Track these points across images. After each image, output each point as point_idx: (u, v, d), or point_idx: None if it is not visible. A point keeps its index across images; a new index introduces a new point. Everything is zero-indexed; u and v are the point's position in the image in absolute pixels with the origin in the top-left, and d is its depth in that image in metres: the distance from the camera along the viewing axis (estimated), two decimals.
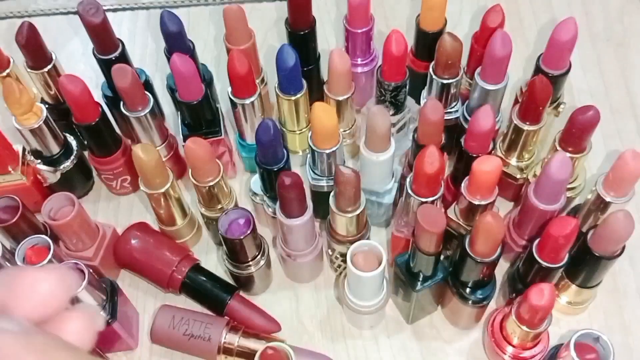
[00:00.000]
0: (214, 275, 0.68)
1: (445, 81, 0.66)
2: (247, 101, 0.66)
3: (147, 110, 0.66)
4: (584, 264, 0.60)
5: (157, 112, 0.69)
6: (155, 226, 0.71)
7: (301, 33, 0.69)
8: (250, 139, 0.72)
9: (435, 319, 0.67)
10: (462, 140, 0.62)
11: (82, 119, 0.65)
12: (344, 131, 0.72)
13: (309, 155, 0.66)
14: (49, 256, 0.57)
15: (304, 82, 0.67)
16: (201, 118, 0.68)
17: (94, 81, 0.81)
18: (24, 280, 0.27)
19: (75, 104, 0.64)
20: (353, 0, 0.68)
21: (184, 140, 0.65)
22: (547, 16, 0.89)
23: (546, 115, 0.64)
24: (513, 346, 0.60)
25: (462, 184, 0.60)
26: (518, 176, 0.69)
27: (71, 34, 0.91)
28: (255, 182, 0.68)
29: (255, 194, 0.69)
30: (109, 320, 0.60)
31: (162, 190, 0.63)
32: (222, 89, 0.79)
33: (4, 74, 0.70)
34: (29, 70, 0.69)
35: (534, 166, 0.68)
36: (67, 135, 0.72)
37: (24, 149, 0.70)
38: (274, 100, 0.72)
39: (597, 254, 0.58)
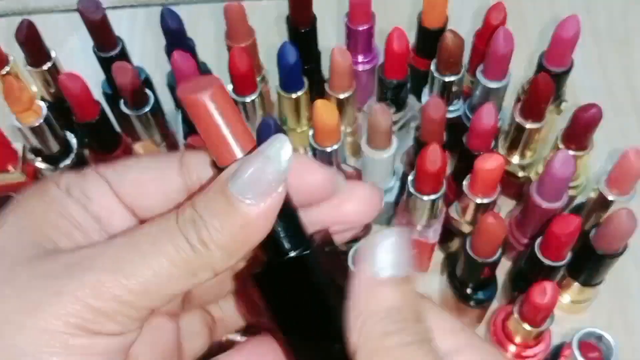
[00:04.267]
0: None
1: (447, 79, 0.66)
2: (248, 99, 0.66)
3: (147, 109, 0.66)
4: (587, 263, 0.60)
5: (157, 110, 0.69)
6: None
7: (302, 31, 0.69)
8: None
9: None
10: (464, 138, 0.62)
11: (82, 117, 0.65)
12: (346, 129, 0.72)
13: (310, 154, 0.66)
14: None
15: (305, 80, 0.67)
16: None
17: (93, 79, 0.81)
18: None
19: (76, 102, 0.64)
20: None
21: (185, 138, 0.65)
22: (549, 14, 0.89)
23: (548, 113, 0.63)
24: (515, 345, 0.60)
25: (464, 183, 0.60)
26: (520, 174, 0.69)
27: (70, 32, 0.91)
28: None
29: None
30: None
31: None
32: None
33: (4, 71, 0.70)
34: (28, 68, 0.69)
35: (536, 164, 0.68)
36: (67, 133, 0.71)
37: (23, 147, 0.69)
38: (275, 98, 0.71)
39: (599, 252, 0.58)
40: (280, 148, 0.24)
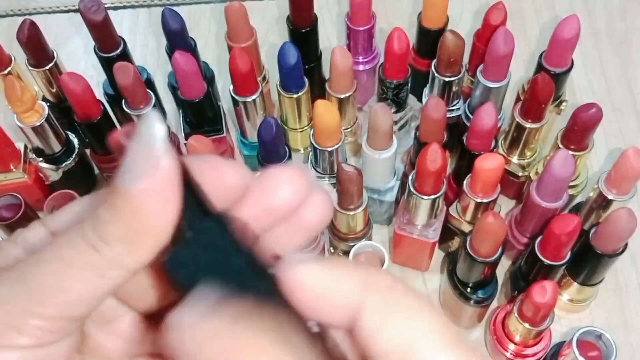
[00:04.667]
0: None
1: (447, 79, 0.66)
2: (249, 99, 0.66)
3: (148, 108, 0.66)
4: (586, 262, 0.60)
5: (158, 110, 0.69)
6: None
7: (303, 31, 0.69)
8: (252, 137, 0.72)
9: None
10: (464, 138, 0.62)
11: (84, 117, 0.65)
12: (346, 129, 0.72)
13: (310, 153, 0.66)
14: None
15: (306, 79, 0.67)
16: (203, 116, 0.68)
17: (95, 79, 0.81)
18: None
19: (77, 102, 0.64)
20: None
21: (186, 139, 0.65)
22: (549, 14, 0.89)
23: (548, 113, 0.64)
24: (515, 344, 0.60)
25: (464, 182, 0.60)
26: (520, 174, 0.69)
27: (72, 32, 0.91)
28: None
29: None
30: None
31: None
32: (224, 86, 0.79)
33: (6, 72, 0.70)
34: (30, 68, 0.69)
35: (536, 164, 0.68)
36: (69, 133, 0.72)
37: (25, 147, 0.70)
38: (276, 98, 0.72)
39: (599, 252, 0.58)
40: (149, 124, 0.22)
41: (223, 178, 0.24)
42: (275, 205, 0.25)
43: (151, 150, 0.21)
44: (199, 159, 0.24)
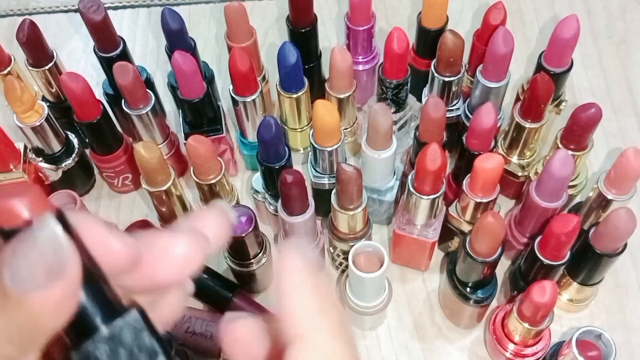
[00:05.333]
0: (216, 272, 0.68)
1: (446, 79, 0.66)
2: (249, 99, 0.66)
3: (148, 108, 0.66)
4: (586, 262, 0.60)
5: (158, 110, 0.69)
6: (157, 224, 0.71)
7: (302, 30, 0.69)
8: (252, 136, 0.72)
9: (437, 318, 0.68)
10: (463, 137, 0.62)
11: (83, 116, 0.65)
12: (346, 129, 0.72)
13: (310, 153, 0.66)
14: None
15: (306, 79, 0.67)
16: (202, 116, 0.68)
17: (95, 79, 0.81)
18: (159, 243, 0.24)
19: (77, 101, 0.64)
20: None
21: (186, 138, 0.65)
22: (548, 14, 0.89)
23: (548, 112, 0.64)
24: (514, 343, 0.60)
25: (464, 182, 0.60)
26: (519, 174, 0.69)
27: (72, 32, 0.91)
28: (257, 179, 0.68)
29: (256, 191, 0.69)
30: None
31: (164, 188, 0.63)
32: (224, 86, 0.79)
33: (5, 72, 0.70)
34: (30, 68, 0.69)
35: (536, 164, 0.68)
36: (69, 133, 0.72)
37: (25, 147, 0.70)
38: (275, 98, 0.72)
39: (598, 252, 0.58)
40: (47, 227, 0.20)
41: (109, 249, 0.23)
42: (165, 280, 0.24)
43: (54, 257, 0.19)
44: (82, 227, 0.22)
